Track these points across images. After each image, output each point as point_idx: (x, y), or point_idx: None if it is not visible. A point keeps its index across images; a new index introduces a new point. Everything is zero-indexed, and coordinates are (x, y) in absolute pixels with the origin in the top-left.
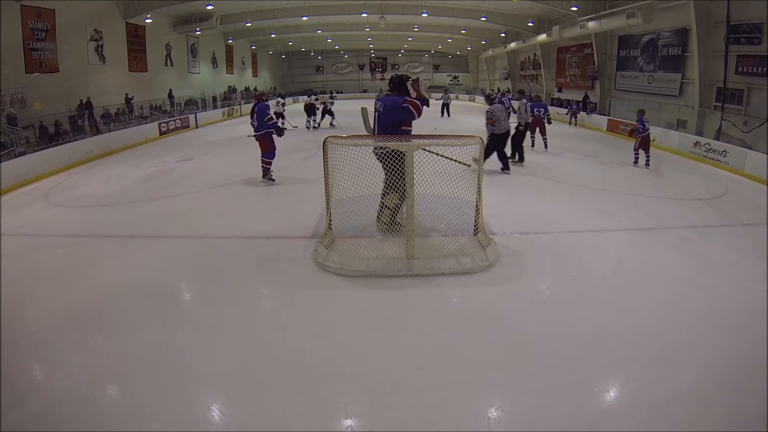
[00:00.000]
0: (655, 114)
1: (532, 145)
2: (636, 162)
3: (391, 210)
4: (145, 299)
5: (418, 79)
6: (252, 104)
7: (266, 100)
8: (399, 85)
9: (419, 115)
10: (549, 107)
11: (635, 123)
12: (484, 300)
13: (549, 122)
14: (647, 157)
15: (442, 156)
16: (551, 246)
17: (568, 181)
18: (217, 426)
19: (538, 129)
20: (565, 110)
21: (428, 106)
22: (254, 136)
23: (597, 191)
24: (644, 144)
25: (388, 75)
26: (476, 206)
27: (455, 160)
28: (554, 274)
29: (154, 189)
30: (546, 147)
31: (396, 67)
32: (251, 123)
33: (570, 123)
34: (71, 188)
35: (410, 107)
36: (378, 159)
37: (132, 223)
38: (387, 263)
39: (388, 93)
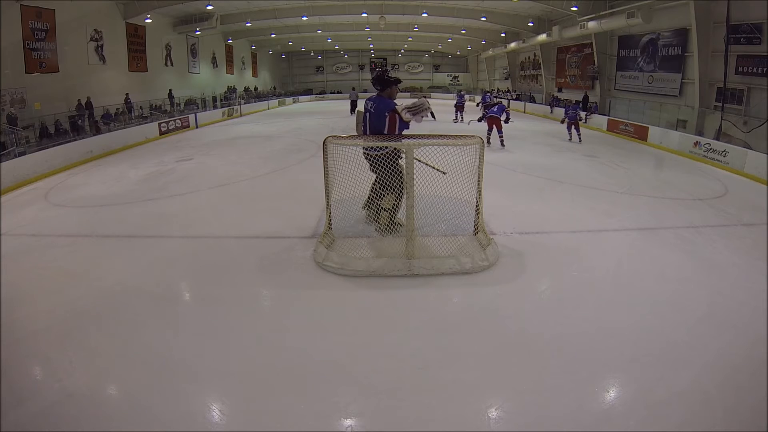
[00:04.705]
0: (656, 114)
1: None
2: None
3: (389, 212)
4: (145, 299)
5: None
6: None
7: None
8: (384, 85)
9: (392, 132)
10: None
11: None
12: (485, 300)
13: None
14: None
15: (420, 162)
16: (551, 246)
17: (568, 181)
18: (217, 426)
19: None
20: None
21: (407, 128)
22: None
23: (597, 191)
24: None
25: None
26: (476, 206)
27: (430, 166)
28: (554, 274)
29: (154, 189)
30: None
31: (396, 67)
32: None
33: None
34: (71, 188)
35: (388, 121)
36: (368, 160)
37: (132, 223)
38: (387, 263)
39: (380, 94)
